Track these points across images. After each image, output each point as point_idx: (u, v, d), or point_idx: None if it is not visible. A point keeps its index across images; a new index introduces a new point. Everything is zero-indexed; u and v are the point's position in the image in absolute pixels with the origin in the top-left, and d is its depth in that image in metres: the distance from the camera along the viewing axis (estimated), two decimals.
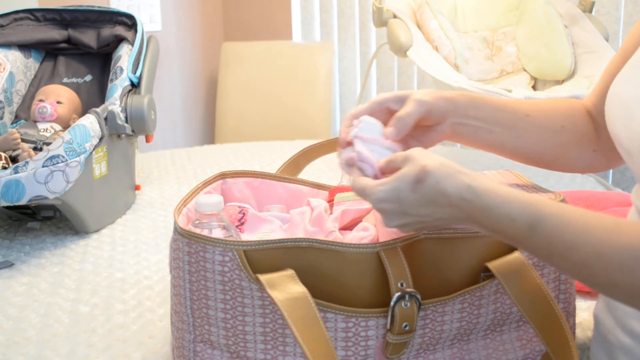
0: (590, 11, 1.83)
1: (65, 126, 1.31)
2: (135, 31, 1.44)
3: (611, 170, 2.24)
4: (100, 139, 1.23)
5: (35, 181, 1.08)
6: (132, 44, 1.41)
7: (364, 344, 0.69)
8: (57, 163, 1.10)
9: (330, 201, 0.89)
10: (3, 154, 1.16)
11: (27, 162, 1.09)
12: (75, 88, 1.44)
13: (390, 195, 0.65)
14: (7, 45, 1.41)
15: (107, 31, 1.45)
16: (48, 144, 1.21)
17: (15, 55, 1.42)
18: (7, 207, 1.20)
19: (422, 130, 0.78)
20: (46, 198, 1.10)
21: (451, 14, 1.88)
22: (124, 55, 1.39)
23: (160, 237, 1.21)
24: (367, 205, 0.85)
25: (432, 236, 0.71)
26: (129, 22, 1.46)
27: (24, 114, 1.40)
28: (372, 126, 0.74)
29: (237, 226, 0.84)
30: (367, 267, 0.68)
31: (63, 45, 1.48)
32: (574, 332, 0.80)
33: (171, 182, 1.54)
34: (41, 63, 1.49)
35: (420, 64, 1.63)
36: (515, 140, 0.80)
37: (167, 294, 0.99)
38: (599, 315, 0.77)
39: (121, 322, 0.91)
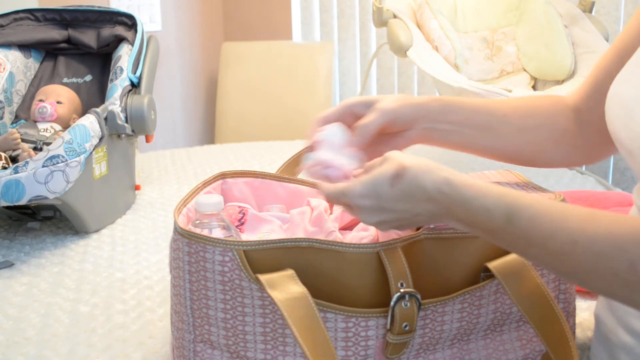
0: (590, 11, 1.83)
1: (65, 126, 1.31)
2: (135, 31, 1.44)
3: (611, 170, 2.24)
4: (100, 139, 1.23)
5: (35, 181, 1.08)
6: (132, 44, 1.41)
7: (364, 344, 0.69)
8: (57, 163, 1.10)
9: None
10: (3, 154, 1.16)
11: (27, 162, 1.09)
12: (75, 88, 1.44)
13: (369, 190, 0.65)
14: (7, 45, 1.41)
15: (107, 31, 1.45)
16: (48, 144, 1.21)
17: (15, 55, 1.42)
18: (7, 207, 1.20)
19: (390, 135, 0.79)
20: (46, 198, 1.10)
21: (451, 14, 1.88)
22: (124, 55, 1.39)
23: (160, 237, 1.21)
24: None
25: (432, 236, 0.71)
26: (129, 22, 1.46)
27: (24, 114, 1.40)
28: (337, 133, 0.75)
29: (237, 226, 0.84)
30: (367, 267, 0.68)
31: (63, 45, 1.48)
32: (574, 332, 0.80)
33: (171, 182, 1.54)
34: (41, 63, 1.49)
35: (420, 64, 1.63)
36: (491, 141, 0.81)
37: (167, 294, 0.99)
38: (600, 314, 0.77)
39: (121, 322, 0.91)
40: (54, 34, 1.46)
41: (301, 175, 0.80)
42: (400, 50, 1.67)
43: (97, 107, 1.28)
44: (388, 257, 0.68)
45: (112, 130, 1.27)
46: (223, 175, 0.87)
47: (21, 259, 1.13)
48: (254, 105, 2.85)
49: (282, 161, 0.95)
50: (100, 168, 1.24)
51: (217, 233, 0.72)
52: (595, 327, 0.79)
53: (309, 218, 0.84)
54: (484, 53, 1.89)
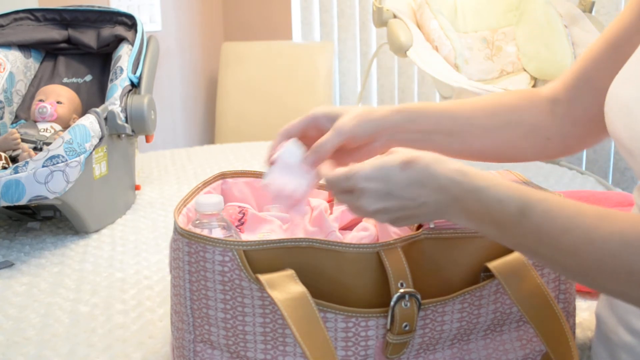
0: (590, 11, 1.83)
1: (65, 126, 1.31)
2: (135, 31, 1.44)
3: (611, 170, 2.24)
4: (100, 139, 1.23)
5: (35, 181, 1.08)
6: (132, 44, 1.41)
7: (364, 344, 0.69)
8: (57, 163, 1.10)
9: (330, 201, 0.89)
10: (3, 154, 1.16)
11: (27, 162, 1.09)
12: (75, 88, 1.44)
13: (378, 173, 0.63)
14: (7, 45, 1.41)
15: (107, 31, 1.45)
16: (48, 144, 1.21)
17: (15, 55, 1.42)
18: (7, 207, 1.20)
19: (354, 149, 0.79)
20: (46, 198, 1.10)
21: (451, 14, 1.88)
22: (124, 55, 1.39)
23: (160, 237, 1.21)
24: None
25: (432, 236, 0.71)
26: (129, 22, 1.46)
27: (24, 114, 1.40)
28: (293, 151, 0.76)
29: (237, 226, 0.84)
30: (367, 267, 0.68)
31: (63, 45, 1.48)
32: (574, 332, 0.80)
33: (171, 182, 1.54)
34: (41, 63, 1.49)
35: (420, 64, 1.63)
36: (459, 144, 0.81)
37: (167, 294, 0.99)
38: (601, 314, 0.77)
39: (121, 322, 0.91)
40: (54, 34, 1.46)
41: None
42: (400, 50, 1.67)
43: (97, 107, 1.28)
44: (388, 257, 0.68)
45: (112, 130, 1.27)
46: (223, 175, 0.87)
47: (21, 259, 1.13)
48: (254, 105, 2.85)
49: None
50: (100, 168, 1.24)
51: (217, 233, 0.72)
52: (596, 326, 0.79)
53: (309, 218, 0.84)
54: (484, 53, 1.89)
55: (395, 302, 0.67)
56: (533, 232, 0.60)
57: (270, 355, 0.69)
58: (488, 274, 0.72)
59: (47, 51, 1.50)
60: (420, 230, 0.71)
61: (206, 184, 0.84)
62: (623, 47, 0.76)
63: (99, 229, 1.25)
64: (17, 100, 1.42)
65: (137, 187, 1.44)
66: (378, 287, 0.68)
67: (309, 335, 0.62)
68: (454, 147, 0.81)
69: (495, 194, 0.61)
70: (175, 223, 0.70)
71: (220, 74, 2.90)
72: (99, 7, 1.48)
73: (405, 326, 0.68)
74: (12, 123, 1.38)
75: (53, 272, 1.08)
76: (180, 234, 0.68)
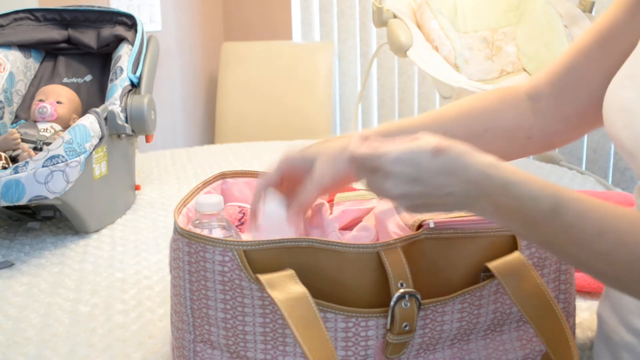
0: (590, 11, 1.84)
1: (65, 126, 1.31)
2: (135, 31, 1.44)
3: (611, 170, 2.24)
4: (100, 139, 1.23)
5: (35, 181, 1.08)
6: (132, 44, 1.41)
7: (364, 344, 0.69)
8: (57, 163, 1.10)
9: (330, 201, 0.89)
10: (3, 154, 1.16)
11: (27, 162, 1.09)
12: (75, 88, 1.44)
13: (408, 157, 0.61)
14: (7, 45, 1.41)
15: (107, 31, 1.45)
16: (48, 144, 1.21)
17: (15, 55, 1.42)
18: (7, 207, 1.20)
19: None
20: (46, 198, 1.10)
21: (451, 14, 1.88)
22: (124, 55, 1.39)
23: (160, 237, 1.21)
24: (367, 205, 0.85)
25: (432, 236, 0.71)
26: (129, 22, 1.46)
27: (24, 114, 1.40)
28: (277, 211, 0.76)
29: (237, 226, 0.84)
30: (367, 267, 0.68)
31: (63, 45, 1.48)
32: (574, 332, 0.80)
33: (171, 182, 1.54)
34: (41, 63, 1.49)
35: (420, 64, 1.63)
36: None
37: (167, 294, 0.99)
38: (603, 314, 0.77)
39: (121, 322, 0.91)
40: (54, 34, 1.46)
41: None
42: (400, 50, 1.68)
43: (97, 107, 1.28)
44: (388, 257, 0.68)
45: (112, 130, 1.27)
46: (223, 175, 0.87)
47: (21, 259, 1.13)
48: (254, 105, 2.85)
49: None
50: (100, 168, 1.24)
51: (217, 233, 0.72)
52: (597, 326, 0.79)
53: (309, 218, 0.84)
54: (484, 53, 1.89)
55: (395, 302, 0.67)
56: (563, 232, 0.59)
57: (270, 355, 0.69)
58: (488, 274, 0.72)
59: (47, 51, 1.50)
60: (420, 230, 0.71)
61: (206, 184, 0.84)
62: (613, 40, 0.76)
63: (99, 229, 1.25)
64: (17, 100, 1.42)
65: (137, 187, 1.44)
66: (378, 287, 0.68)
67: (309, 335, 0.62)
68: None
69: (528, 190, 0.59)
70: (175, 223, 0.70)
71: (220, 74, 2.90)
72: (99, 7, 1.48)
73: (405, 326, 0.68)
74: (12, 123, 1.38)
75: (53, 272, 1.08)
76: (180, 234, 0.68)
